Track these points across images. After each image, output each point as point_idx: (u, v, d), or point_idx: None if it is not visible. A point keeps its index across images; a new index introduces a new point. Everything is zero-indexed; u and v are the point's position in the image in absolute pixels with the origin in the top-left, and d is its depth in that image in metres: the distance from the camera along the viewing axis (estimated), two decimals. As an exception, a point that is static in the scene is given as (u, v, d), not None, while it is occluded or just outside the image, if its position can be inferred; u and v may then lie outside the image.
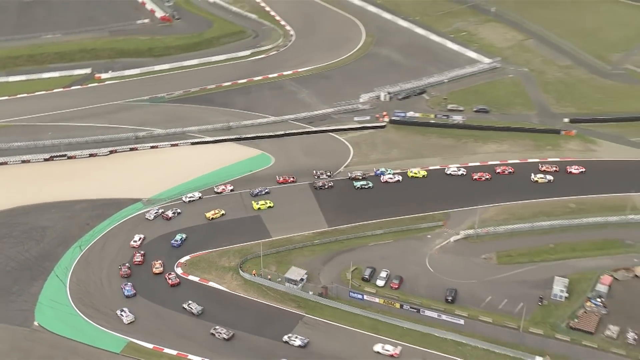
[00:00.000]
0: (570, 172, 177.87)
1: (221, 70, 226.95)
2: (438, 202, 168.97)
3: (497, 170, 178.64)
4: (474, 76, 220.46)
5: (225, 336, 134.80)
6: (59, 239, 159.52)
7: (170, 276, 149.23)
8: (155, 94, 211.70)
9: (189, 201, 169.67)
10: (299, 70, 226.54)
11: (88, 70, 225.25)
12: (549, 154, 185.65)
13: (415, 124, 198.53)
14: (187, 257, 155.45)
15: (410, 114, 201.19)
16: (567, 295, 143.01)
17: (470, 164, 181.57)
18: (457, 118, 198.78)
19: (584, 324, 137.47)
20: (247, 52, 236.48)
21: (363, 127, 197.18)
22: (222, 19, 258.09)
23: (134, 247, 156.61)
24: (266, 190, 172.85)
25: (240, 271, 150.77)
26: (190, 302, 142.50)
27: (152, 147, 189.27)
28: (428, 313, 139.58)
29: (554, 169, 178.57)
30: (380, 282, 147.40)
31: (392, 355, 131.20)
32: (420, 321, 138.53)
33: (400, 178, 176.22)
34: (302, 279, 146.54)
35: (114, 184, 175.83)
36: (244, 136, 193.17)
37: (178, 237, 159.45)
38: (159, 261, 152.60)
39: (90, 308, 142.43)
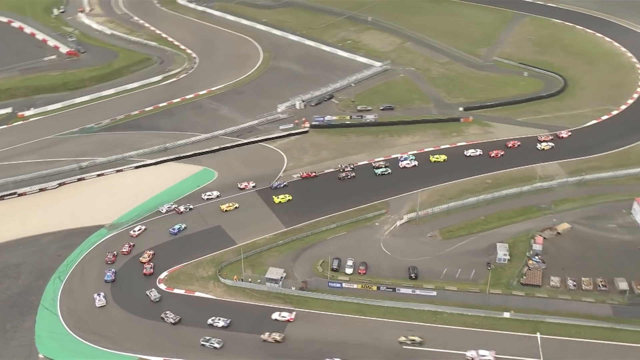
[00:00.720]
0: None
1: (139, 96, 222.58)
2: (376, 192, 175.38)
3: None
4: (371, 78, 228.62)
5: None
6: (35, 274, 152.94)
7: (146, 265, 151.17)
8: (84, 125, 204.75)
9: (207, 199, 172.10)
10: (213, 89, 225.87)
11: (9, 110, 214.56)
12: (458, 140, 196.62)
13: (335, 126, 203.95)
14: (165, 273, 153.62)
15: (328, 117, 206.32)
16: (509, 257, 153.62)
17: (392, 156, 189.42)
18: (370, 117, 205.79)
19: (532, 279, 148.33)
20: (159, 77, 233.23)
21: (289, 134, 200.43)
22: (125, 49, 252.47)
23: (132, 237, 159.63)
24: (284, 184, 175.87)
25: (221, 278, 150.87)
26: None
27: (98, 175, 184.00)
28: (403, 290, 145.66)
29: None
30: (348, 270, 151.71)
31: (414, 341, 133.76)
32: (397, 298, 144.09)
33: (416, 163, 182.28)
34: (281, 277, 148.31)
35: (72, 214, 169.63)
36: (183, 155, 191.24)
37: (177, 226, 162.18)
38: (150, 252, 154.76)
39: (89, 333, 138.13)
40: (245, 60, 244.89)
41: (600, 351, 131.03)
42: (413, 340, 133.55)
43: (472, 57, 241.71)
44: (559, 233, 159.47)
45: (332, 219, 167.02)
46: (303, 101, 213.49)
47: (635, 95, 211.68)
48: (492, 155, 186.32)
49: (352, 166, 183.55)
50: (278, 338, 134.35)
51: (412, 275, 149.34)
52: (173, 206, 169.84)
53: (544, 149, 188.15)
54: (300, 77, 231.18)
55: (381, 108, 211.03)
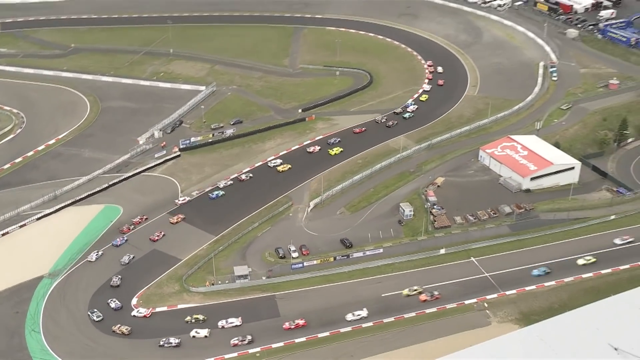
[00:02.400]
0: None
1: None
2: (276, 189, 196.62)
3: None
4: (205, 100, 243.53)
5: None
6: (6, 334, 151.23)
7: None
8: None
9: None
10: (60, 137, 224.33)
11: None
12: (314, 135, 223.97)
13: (203, 146, 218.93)
14: (135, 299, 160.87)
15: (193, 139, 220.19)
16: (413, 213, 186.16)
17: (268, 159, 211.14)
18: (229, 132, 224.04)
19: (441, 222, 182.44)
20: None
21: (165, 160, 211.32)
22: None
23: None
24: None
25: (193, 288, 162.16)
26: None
27: (3, 235, 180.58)
28: (356, 255, 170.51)
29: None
30: (295, 254, 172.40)
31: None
32: (354, 262, 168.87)
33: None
34: (249, 272, 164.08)
35: (2, 274, 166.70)
36: (78, 198, 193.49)
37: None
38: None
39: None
40: (72, 106, 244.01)
41: (517, 256, 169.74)
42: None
43: (280, 68, 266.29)
44: (438, 186, 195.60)
45: (251, 219, 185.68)
46: (160, 130, 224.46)
47: (426, 77, 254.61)
48: (355, 132, 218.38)
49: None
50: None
51: (348, 245, 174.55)
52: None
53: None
54: (137, 112, 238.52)
55: (232, 123, 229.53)
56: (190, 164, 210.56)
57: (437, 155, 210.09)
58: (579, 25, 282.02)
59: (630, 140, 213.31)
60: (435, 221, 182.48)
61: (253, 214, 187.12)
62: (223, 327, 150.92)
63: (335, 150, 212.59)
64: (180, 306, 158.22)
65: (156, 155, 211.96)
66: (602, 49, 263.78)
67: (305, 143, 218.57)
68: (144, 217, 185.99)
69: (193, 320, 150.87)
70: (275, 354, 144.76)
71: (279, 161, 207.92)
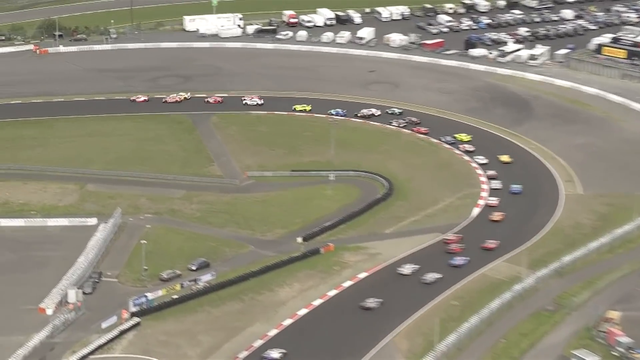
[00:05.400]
0: None
1: None
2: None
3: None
4: (115, 242, 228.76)
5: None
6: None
7: None
8: None
9: None
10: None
11: None
12: (351, 272, 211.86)
13: (171, 304, 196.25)
14: None
15: (150, 295, 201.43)
16: None
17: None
18: (205, 278, 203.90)
19: None
20: None
21: (120, 332, 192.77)
22: None
23: None
24: None
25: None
26: None
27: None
28: None
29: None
30: None
31: None
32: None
33: None
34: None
35: None
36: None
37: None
38: None
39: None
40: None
41: None
42: None
43: (213, 180, 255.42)
44: (616, 323, 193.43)
45: None
46: (78, 288, 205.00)
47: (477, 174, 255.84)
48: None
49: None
50: None
51: None
52: None
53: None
54: (19, 268, 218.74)
55: (193, 268, 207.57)
56: (166, 333, 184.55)
57: (578, 283, 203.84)
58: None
59: None
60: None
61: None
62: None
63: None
64: None
65: (104, 326, 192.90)
66: None
67: (345, 285, 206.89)
68: None
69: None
70: None
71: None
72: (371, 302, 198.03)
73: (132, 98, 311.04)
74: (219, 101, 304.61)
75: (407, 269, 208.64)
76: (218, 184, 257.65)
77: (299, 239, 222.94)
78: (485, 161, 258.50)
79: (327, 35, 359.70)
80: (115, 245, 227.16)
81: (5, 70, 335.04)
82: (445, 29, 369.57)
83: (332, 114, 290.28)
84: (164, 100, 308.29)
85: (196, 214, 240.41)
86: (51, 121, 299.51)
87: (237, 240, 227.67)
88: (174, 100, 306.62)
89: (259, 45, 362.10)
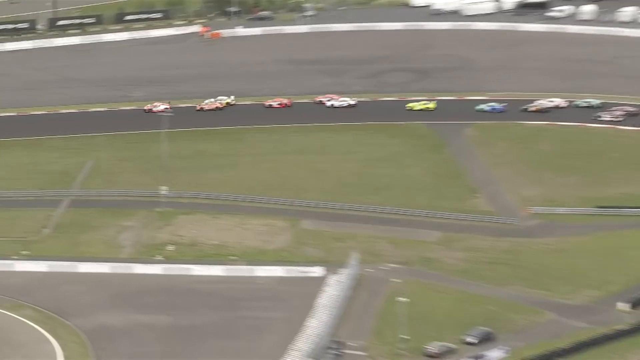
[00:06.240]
0: None
1: None
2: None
3: None
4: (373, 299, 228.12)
5: None
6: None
7: None
8: None
9: None
10: None
11: None
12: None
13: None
14: None
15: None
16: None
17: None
18: (494, 354, 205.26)
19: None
20: None
21: None
22: None
23: None
24: None
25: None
26: None
27: None
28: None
29: None
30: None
31: None
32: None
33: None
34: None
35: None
36: None
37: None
38: None
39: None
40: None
41: None
42: None
43: (480, 218, 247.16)
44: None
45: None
46: None
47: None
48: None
49: None
50: None
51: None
52: None
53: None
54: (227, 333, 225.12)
55: (473, 341, 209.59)
56: None
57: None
58: None
59: None
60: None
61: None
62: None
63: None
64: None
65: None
66: None
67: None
68: None
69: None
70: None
71: None
72: None
73: (322, 100, 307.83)
74: (286, 105, 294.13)
75: None
76: (488, 223, 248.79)
77: (623, 305, 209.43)
78: None
79: (627, 12, 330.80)
80: (355, 305, 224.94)
81: (164, 61, 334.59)
82: None
83: (485, 110, 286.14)
84: (197, 107, 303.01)
85: (461, 265, 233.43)
86: (239, 132, 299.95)
87: (527, 304, 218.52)
88: (213, 107, 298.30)
89: (523, 26, 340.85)
